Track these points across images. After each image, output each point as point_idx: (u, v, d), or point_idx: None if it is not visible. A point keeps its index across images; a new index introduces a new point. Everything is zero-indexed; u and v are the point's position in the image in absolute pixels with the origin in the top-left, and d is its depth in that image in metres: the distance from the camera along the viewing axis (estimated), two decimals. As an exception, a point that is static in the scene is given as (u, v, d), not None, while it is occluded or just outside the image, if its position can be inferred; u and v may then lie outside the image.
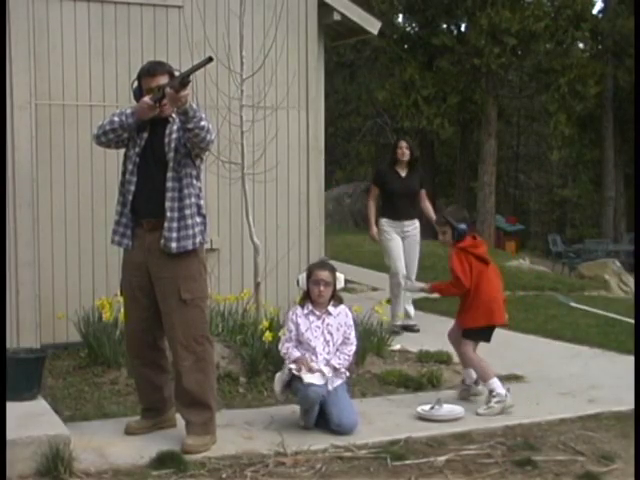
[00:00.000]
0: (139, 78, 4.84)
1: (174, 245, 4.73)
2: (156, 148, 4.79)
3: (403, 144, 8.37)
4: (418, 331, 8.16)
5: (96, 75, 6.93)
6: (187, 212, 4.77)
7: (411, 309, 8.38)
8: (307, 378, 5.09)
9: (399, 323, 8.15)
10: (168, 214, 4.73)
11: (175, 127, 4.79)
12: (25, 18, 6.51)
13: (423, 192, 8.50)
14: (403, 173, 8.39)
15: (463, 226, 5.80)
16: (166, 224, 4.73)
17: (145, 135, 4.81)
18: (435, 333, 8.03)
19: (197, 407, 4.84)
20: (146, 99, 4.69)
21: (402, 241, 8.29)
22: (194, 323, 4.83)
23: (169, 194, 4.74)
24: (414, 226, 8.32)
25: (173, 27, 7.15)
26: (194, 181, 4.83)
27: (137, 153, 4.80)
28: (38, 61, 6.65)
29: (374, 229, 8.41)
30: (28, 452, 4.36)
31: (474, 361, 5.79)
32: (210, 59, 4.58)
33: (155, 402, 5.03)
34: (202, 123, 4.62)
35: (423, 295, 8.03)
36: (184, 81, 4.54)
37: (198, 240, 4.83)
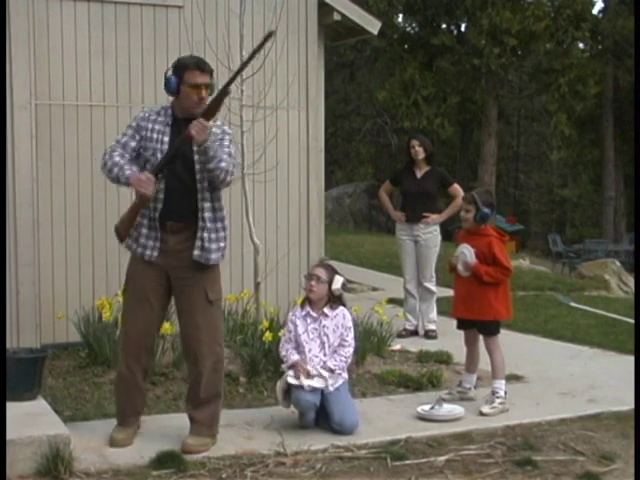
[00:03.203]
0: (181, 69, 4.62)
1: (213, 257, 4.72)
2: (185, 153, 4.63)
3: (414, 142, 8.07)
4: (435, 337, 7.93)
5: (96, 75, 6.93)
6: (224, 223, 4.78)
7: (434, 315, 8.15)
8: (307, 382, 5.09)
9: (409, 327, 8.13)
10: (208, 225, 4.68)
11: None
12: (25, 18, 6.51)
13: (455, 187, 8.16)
14: (419, 173, 8.12)
15: (487, 210, 5.71)
16: (206, 234, 4.68)
17: (166, 139, 4.66)
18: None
19: (209, 407, 4.87)
20: (149, 176, 4.53)
21: (415, 245, 8.14)
22: (217, 324, 4.88)
23: (207, 204, 4.69)
24: (427, 230, 8.06)
25: (173, 27, 7.14)
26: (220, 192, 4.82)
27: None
28: (38, 61, 6.65)
29: (397, 213, 8.25)
30: (28, 452, 4.36)
31: (502, 356, 5.79)
32: (269, 36, 4.44)
33: (140, 407, 4.99)
34: (222, 164, 4.54)
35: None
36: (225, 91, 4.48)
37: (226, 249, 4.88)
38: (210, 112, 4.53)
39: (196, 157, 4.63)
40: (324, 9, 7.84)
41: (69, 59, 6.83)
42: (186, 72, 4.62)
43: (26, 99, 6.52)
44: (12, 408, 4.64)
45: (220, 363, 4.91)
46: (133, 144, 4.72)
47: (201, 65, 4.65)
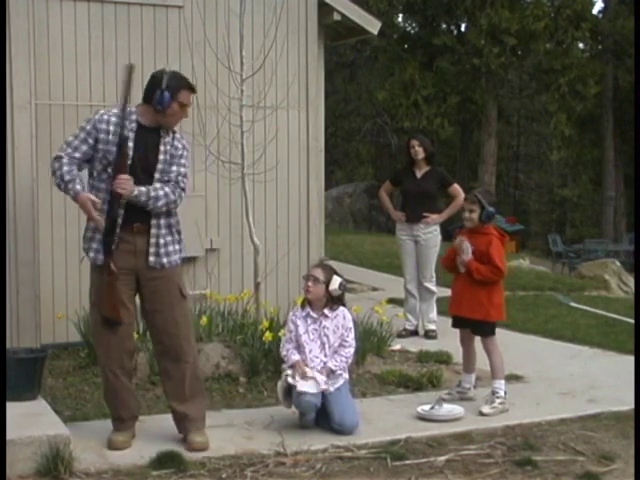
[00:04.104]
0: (175, 88, 4.68)
1: (165, 260, 4.78)
2: (149, 159, 4.72)
3: (414, 142, 8.07)
4: (435, 337, 7.92)
5: (96, 75, 6.92)
6: (178, 227, 4.88)
7: (434, 315, 8.14)
8: (300, 386, 5.09)
9: (409, 327, 8.13)
10: (163, 231, 4.75)
11: (168, 146, 4.76)
12: (25, 18, 6.52)
13: (454, 187, 8.15)
14: (419, 173, 8.11)
15: (492, 209, 5.71)
16: (162, 240, 4.74)
17: (131, 144, 4.67)
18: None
19: (198, 401, 4.93)
20: (94, 209, 4.58)
21: (415, 245, 8.13)
22: (190, 318, 5.02)
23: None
24: (427, 230, 8.05)
25: (173, 27, 7.14)
26: None
27: (127, 165, 4.66)
28: (38, 61, 6.65)
29: (397, 213, 8.26)
30: (28, 452, 4.36)
31: (500, 356, 5.80)
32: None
33: (135, 409, 4.99)
34: (159, 203, 4.67)
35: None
36: (124, 137, 4.60)
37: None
38: (123, 166, 4.61)
39: (159, 166, 4.71)
40: (324, 9, 7.83)
41: (69, 59, 6.83)
42: (180, 92, 4.71)
43: (26, 99, 6.52)
44: (12, 408, 4.64)
45: (198, 355, 5.11)
46: (85, 148, 4.70)
47: (193, 87, 4.82)
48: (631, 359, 6.89)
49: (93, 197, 4.61)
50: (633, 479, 4.52)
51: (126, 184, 4.58)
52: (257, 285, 6.85)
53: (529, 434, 5.23)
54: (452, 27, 26.86)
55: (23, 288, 6.52)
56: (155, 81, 4.72)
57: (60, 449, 4.37)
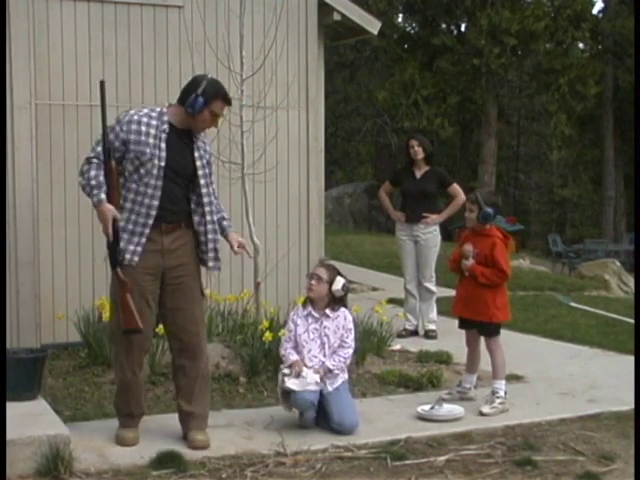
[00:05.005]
0: (211, 96, 4.68)
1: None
2: (182, 163, 4.75)
3: (414, 142, 8.08)
4: (435, 337, 7.93)
5: (96, 75, 6.90)
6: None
7: (434, 315, 8.15)
8: (289, 384, 5.09)
9: (409, 327, 8.12)
10: (211, 236, 4.83)
11: (202, 151, 4.83)
12: (25, 18, 6.52)
13: (454, 187, 8.16)
14: (419, 173, 8.11)
15: (489, 210, 5.68)
16: (214, 245, 4.85)
17: (163, 146, 4.68)
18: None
19: (204, 399, 4.97)
20: (109, 223, 4.62)
21: (415, 245, 8.14)
22: (205, 317, 5.11)
23: (208, 208, 4.82)
24: (427, 230, 8.06)
25: (173, 27, 7.14)
26: None
27: (160, 166, 4.66)
28: (38, 61, 6.65)
29: (397, 213, 8.27)
30: (28, 452, 4.36)
31: (503, 356, 5.81)
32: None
33: (144, 406, 5.03)
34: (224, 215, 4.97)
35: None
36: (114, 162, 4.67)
37: None
38: (116, 199, 4.67)
39: (200, 172, 4.77)
40: (324, 9, 7.83)
41: (69, 59, 6.83)
42: (215, 100, 4.72)
43: (26, 99, 6.52)
44: (12, 408, 4.64)
45: (208, 355, 5.11)
46: (117, 144, 4.70)
47: (229, 99, 4.81)
48: (631, 359, 6.89)
49: (116, 213, 4.62)
50: (633, 479, 4.52)
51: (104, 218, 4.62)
52: (257, 285, 6.86)
53: (529, 434, 5.23)
54: (452, 27, 26.87)
55: (23, 288, 6.52)
56: (194, 84, 4.74)
57: (60, 449, 4.37)
